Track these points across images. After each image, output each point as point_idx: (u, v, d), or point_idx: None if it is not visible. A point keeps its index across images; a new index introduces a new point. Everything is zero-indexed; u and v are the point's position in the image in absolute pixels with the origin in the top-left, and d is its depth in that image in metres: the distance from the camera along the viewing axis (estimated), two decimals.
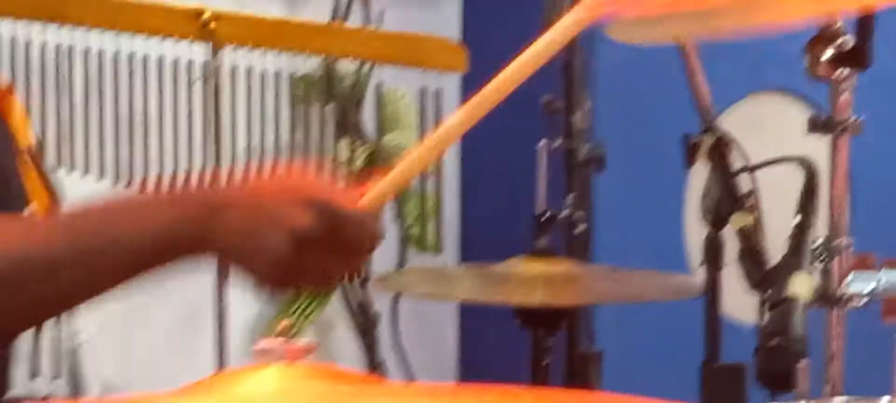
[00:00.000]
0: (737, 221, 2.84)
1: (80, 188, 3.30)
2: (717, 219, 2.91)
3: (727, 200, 2.88)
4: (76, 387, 3.65)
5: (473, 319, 4.33)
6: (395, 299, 4.17)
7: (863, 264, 2.06)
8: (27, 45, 3.39)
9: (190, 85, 3.51)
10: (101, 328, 3.45)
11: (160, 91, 3.51)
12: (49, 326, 3.28)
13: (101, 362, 3.67)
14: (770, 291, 2.74)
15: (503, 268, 3.29)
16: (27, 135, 2.77)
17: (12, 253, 2.15)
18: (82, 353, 3.44)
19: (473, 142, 4.22)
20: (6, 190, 2.57)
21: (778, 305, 2.68)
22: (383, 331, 4.19)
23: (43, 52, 3.38)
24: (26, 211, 2.60)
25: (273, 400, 1.79)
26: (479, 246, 4.27)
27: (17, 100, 2.92)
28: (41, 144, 3.04)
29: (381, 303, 4.16)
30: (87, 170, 3.47)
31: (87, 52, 3.41)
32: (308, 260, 1.89)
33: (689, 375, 3.18)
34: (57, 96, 3.45)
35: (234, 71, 3.53)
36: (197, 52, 3.43)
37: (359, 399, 1.94)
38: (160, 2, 3.44)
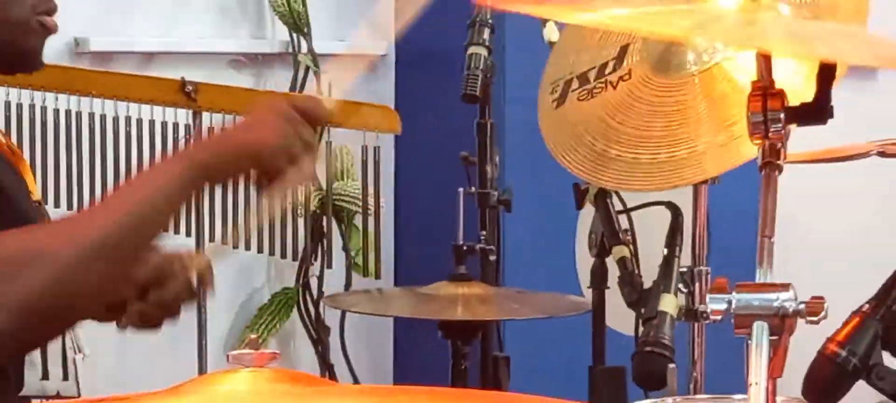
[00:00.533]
0: (616, 253, 2.97)
1: None
2: (600, 251, 3.02)
3: (609, 236, 3.00)
4: (79, 389, 3.65)
5: (406, 331, 4.31)
6: (343, 315, 4.14)
7: (718, 287, 2.16)
8: (43, 110, 3.43)
9: (176, 142, 3.56)
10: (100, 339, 3.47)
11: (152, 147, 3.54)
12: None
13: (100, 367, 3.69)
14: (644, 308, 2.86)
15: (430, 290, 3.32)
16: (35, 189, 2.88)
17: (81, 240, 2.29)
18: (86, 360, 3.45)
19: (406, 188, 4.30)
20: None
21: (651, 319, 2.80)
22: (333, 342, 4.17)
23: (55, 116, 3.43)
24: None
25: (246, 399, 1.81)
26: (410, 271, 4.18)
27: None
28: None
29: (331, 319, 4.03)
30: None
31: (91, 116, 3.45)
32: (288, 130, 2.11)
33: (580, 376, 3.20)
34: (67, 152, 3.47)
35: (211, 130, 3.49)
36: (181, 115, 3.51)
37: (316, 399, 2.06)
38: (151, 75, 3.53)
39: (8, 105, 3.19)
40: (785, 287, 1.90)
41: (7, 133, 2.85)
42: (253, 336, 1.90)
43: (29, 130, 3.41)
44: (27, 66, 2.71)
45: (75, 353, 2.90)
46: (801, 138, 2.11)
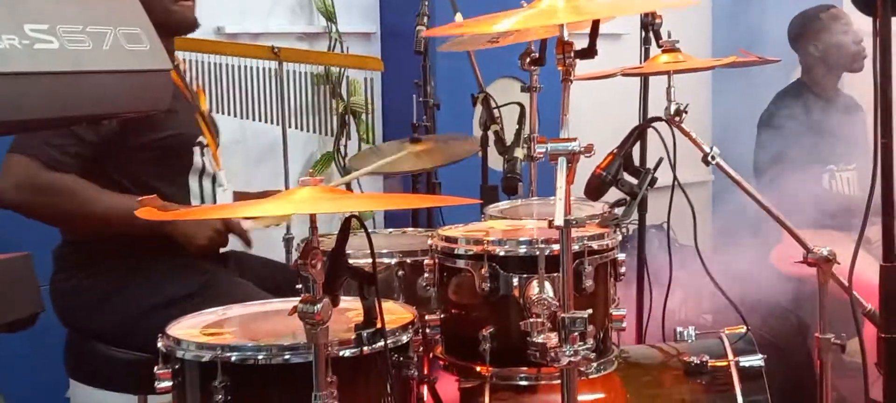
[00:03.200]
0: (493, 127, 2.99)
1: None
2: (486, 127, 3.05)
3: (488, 119, 3.01)
4: None
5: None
6: None
7: (541, 140, 2.03)
8: (199, 63, 3.26)
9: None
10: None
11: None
12: None
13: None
14: (507, 155, 2.88)
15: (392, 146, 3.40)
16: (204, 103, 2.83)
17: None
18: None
19: (388, 97, 4.29)
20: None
21: (510, 161, 2.83)
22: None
23: (207, 66, 3.32)
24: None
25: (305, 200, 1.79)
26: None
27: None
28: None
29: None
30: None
31: (229, 66, 3.37)
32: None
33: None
34: (218, 85, 3.35)
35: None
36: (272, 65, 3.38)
37: (343, 200, 2.04)
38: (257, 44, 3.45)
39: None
40: (574, 139, 1.92)
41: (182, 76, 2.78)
42: (311, 172, 1.90)
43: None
44: (181, 31, 2.64)
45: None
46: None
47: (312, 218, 1.81)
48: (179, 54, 2.80)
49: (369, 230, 3.22)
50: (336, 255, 1.88)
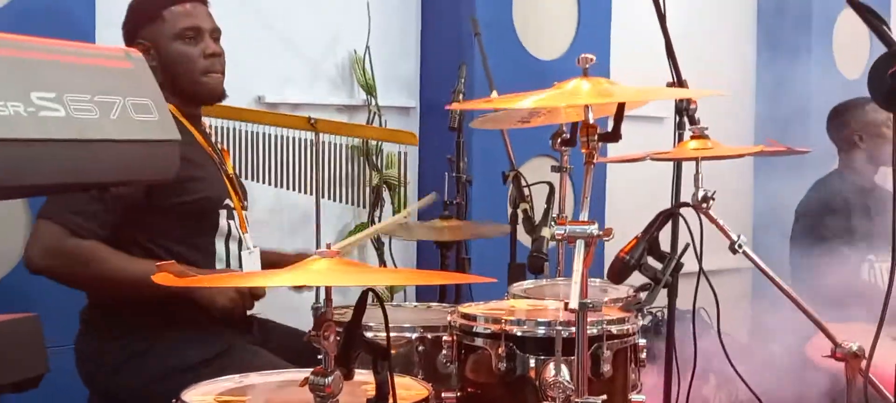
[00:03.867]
0: (521, 206, 2.99)
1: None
2: (516, 204, 3.04)
3: (519, 197, 3.01)
4: None
5: (422, 244, 4.40)
6: (390, 237, 4.02)
7: (560, 222, 2.03)
8: (234, 131, 3.24)
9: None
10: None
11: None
12: None
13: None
14: (534, 234, 2.87)
15: (430, 223, 3.38)
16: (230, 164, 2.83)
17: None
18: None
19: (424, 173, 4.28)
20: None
21: (537, 240, 2.82)
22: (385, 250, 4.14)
23: (242, 134, 3.32)
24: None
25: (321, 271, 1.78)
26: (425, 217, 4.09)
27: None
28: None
29: (384, 237, 4.08)
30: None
31: (265, 135, 3.36)
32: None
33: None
34: (251, 153, 3.34)
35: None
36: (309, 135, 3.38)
37: (360, 273, 2.03)
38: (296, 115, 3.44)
39: (216, 127, 2.94)
40: (592, 223, 1.92)
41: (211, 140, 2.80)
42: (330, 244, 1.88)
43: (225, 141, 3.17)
44: (209, 101, 2.69)
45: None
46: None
47: (328, 289, 1.82)
48: (206, 120, 2.84)
49: (395, 303, 3.26)
50: (351, 328, 1.87)
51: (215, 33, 2.68)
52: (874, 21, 1.64)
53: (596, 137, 2.02)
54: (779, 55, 5.13)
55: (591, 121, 2.00)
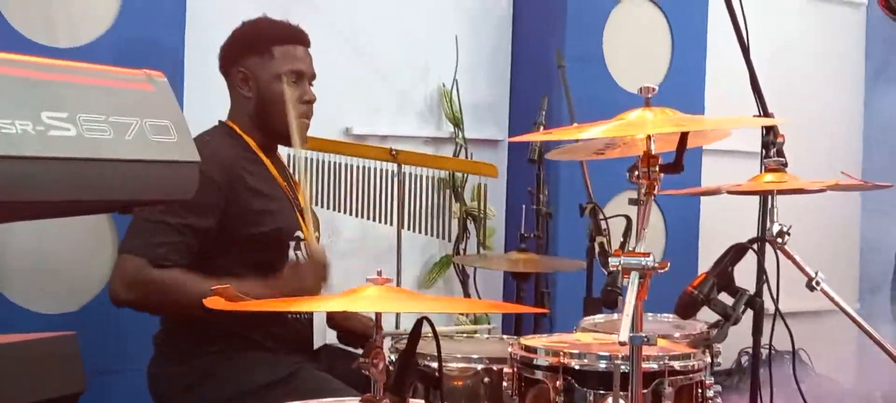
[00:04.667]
0: (599, 239, 2.94)
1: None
2: (592, 236, 3.00)
3: (596, 231, 2.97)
4: None
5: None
6: (475, 269, 3.95)
7: (615, 254, 1.99)
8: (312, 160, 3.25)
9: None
10: None
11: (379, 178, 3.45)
12: None
13: None
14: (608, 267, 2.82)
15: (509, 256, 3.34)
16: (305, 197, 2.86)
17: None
18: None
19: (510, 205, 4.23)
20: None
21: (610, 273, 2.76)
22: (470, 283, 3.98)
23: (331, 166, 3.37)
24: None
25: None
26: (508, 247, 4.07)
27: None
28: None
29: (469, 270, 4.06)
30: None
31: (350, 166, 3.41)
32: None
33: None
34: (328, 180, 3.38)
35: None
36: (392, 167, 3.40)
37: (414, 301, 2.03)
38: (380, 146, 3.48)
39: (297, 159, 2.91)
40: (647, 255, 1.87)
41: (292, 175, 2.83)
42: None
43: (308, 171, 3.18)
44: (291, 144, 2.71)
45: None
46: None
47: (377, 316, 1.82)
48: (282, 150, 2.88)
49: (460, 331, 3.24)
50: (405, 356, 1.86)
51: (313, 79, 2.74)
52: None
53: (657, 168, 1.98)
54: (892, 86, 4.94)
55: (653, 152, 1.95)
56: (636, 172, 2.76)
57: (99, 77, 1.31)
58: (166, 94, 1.39)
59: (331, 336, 2.92)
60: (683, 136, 2.00)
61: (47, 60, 1.28)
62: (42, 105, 1.18)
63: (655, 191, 1.99)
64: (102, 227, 2.96)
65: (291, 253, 2.64)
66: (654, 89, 2.05)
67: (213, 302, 1.84)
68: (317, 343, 2.77)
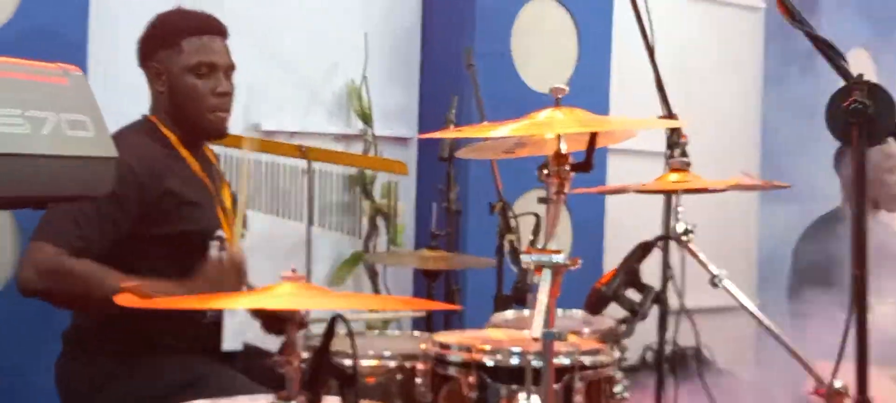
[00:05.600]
0: (508, 237, 2.98)
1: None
2: (502, 235, 3.03)
3: (505, 228, 3.01)
4: None
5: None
6: (385, 267, 4.00)
7: (527, 252, 1.97)
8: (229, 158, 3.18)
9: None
10: None
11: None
12: None
13: None
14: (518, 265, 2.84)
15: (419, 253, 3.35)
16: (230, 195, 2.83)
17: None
18: None
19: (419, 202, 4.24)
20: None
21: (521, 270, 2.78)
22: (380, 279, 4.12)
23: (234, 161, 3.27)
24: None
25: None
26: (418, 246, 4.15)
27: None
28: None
29: (378, 268, 4.23)
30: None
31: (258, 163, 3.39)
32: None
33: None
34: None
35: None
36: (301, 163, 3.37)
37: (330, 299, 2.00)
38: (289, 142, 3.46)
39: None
40: (559, 252, 1.90)
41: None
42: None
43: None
44: (210, 138, 2.70)
45: None
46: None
47: (295, 313, 1.81)
48: (217, 149, 2.88)
49: (370, 327, 3.25)
50: (319, 354, 1.86)
51: (230, 70, 2.69)
52: (832, 54, 1.64)
53: (568, 167, 2.01)
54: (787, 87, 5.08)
55: (563, 151, 1.98)
56: (546, 171, 2.86)
57: (14, 70, 1.29)
58: (83, 89, 1.37)
59: (247, 337, 2.88)
60: (593, 136, 2.03)
61: None
62: None
63: (567, 190, 2.01)
64: (3, 218, 2.90)
65: (214, 252, 2.58)
66: (564, 90, 2.06)
67: (124, 300, 1.81)
68: (231, 345, 2.74)
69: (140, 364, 2.50)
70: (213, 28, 2.67)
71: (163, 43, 2.62)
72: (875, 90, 1.63)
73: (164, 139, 2.63)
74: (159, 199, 2.52)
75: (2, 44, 2.79)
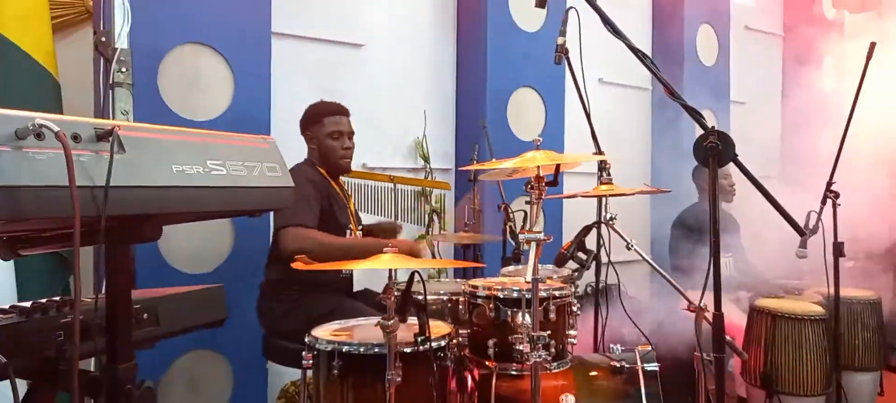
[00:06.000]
0: (509, 224, 2.93)
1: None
2: (505, 222, 2.99)
3: (506, 218, 2.95)
4: None
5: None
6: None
7: (523, 231, 2.02)
8: (354, 183, 3.09)
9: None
10: None
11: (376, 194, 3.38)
12: None
13: None
14: (516, 239, 2.80)
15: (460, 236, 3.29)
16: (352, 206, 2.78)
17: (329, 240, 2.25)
18: None
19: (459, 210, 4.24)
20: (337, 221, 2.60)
21: (517, 243, 2.74)
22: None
23: (358, 185, 3.29)
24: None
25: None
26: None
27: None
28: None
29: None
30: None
31: (366, 186, 3.38)
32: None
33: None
34: (361, 194, 3.21)
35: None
36: (390, 185, 3.33)
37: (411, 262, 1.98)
38: (377, 173, 3.46)
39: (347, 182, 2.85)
40: (540, 232, 1.89)
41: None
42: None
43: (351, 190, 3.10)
44: (342, 172, 2.69)
45: None
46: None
47: (390, 271, 1.80)
48: (343, 179, 2.83)
49: (431, 277, 3.21)
50: (405, 293, 1.87)
51: (351, 134, 2.69)
52: (695, 114, 1.63)
53: (543, 184, 2.00)
54: (668, 133, 5.01)
55: (541, 175, 1.97)
56: (530, 185, 2.85)
57: (238, 140, 1.31)
58: (274, 148, 1.39)
59: (363, 284, 2.85)
60: (557, 166, 2.03)
61: (211, 132, 1.27)
62: (206, 156, 1.18)
63: (543, 197, 2.00)
64: (225, 225, 2.91)
65: (348, 234, 2.61)
66: (540, 140, 2.06)
67: (298, 265, 1.83)
68: (356, 288, 2.75)
69: (306, 299, 2.51)
70: (341, 110, 2.69)
71: (313, 121, 2.65)
72: (722, 135, 1.61)
73: (319, 172, 2.67)
74: (326, 199, 2.55)
75: (223, 123, 2.83)
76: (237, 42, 2.84)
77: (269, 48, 2.96)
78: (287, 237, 2.35)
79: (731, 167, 4.01)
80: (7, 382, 1.14)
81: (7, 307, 1.33)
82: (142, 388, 1.20)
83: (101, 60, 2.49)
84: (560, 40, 2.47)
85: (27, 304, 1.32)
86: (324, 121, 2.61)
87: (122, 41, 2.49)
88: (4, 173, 0.96)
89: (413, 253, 2.40)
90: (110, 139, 1.08)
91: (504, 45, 3.91)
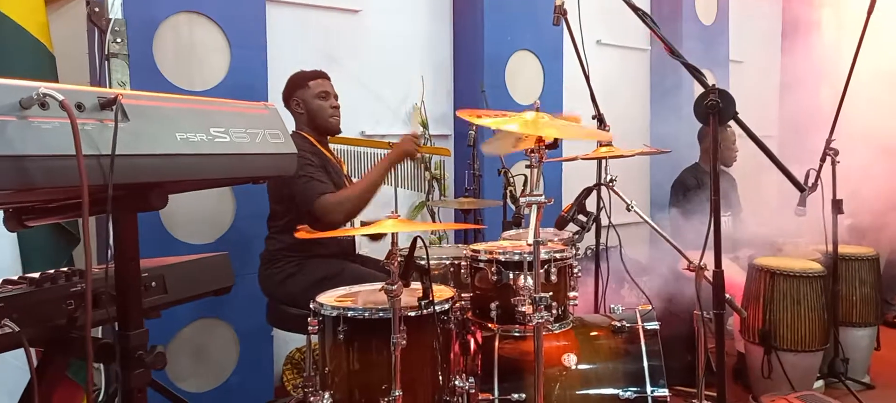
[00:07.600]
0: (509, 188, 2.93)
1: None
2: (505, 188, 2.98)
3: (507, 183, 2.95)
4: None
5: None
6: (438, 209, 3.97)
7: (522, 194, 1.99)
8: (346, 151, 3.10)
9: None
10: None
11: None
12: None
13: None
14: (516, 203, 2.81)
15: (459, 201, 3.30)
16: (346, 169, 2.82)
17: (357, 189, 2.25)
18: None
19: (456, 175, 4.24)
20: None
21: (517, 207, 2.75)
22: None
23: (351, 151, 3.25)
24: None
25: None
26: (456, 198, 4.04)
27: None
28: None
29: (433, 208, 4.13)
30: None
31: (357, 152, 3.40)
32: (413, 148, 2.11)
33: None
34: (354, 160, 3.26)
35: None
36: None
37: None
38: (374, 139, 3.44)
39: (338, 149, 2.86)
40: (541, 194, 1.89)
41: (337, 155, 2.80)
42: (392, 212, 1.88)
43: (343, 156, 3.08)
44: (331, 133, 2.68)
45: None
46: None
47: (393, 236, 1.83)
48: (333, 145, 2.82)
49: (432, 243, 3.22)
50: (408, 258, 1.89)
51: (336, 97, 2.71)
52: (696, 73, 1.63)
53: (544, 146, 2.00)
54: (666, 98, 5.01)
55: (542, 136, 1.97)
56: (530, 150, 2.84)
57: (239, 107, 1.31)
58: (275, 114, 1.39)
59: (365, 250, 2.87)
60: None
61: (214, 99, 1.27)
62: (209, 123, 1.18)
63: (543, 159, 2.01)
64: (226, 195, 2.90)
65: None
66: (538, 103, 2.06)
67: (301, 234, 1.84)
68: (358, 251, 2.77)
69: (308, 265, 2.53)
70: (323, 75, 2.71)
71: (298, 86, 2.65)
72: (723, 93, 1.61)
73: (309, 141, 2.66)
74: (322, 163, 2.57)
75: (221, 93, 2.81)
76: (232, 10, 2.81)
77: (264, 15, 2.93)
78: (325, 209, 2.36)
79: (737, 135, 4.02)
80: (20, 351, 1.16)
81: (17, 278, 1.34)
82: (154, 352, 1.21)
83: (96, 31, 2.45)
84: (558, 1, 2.44)
85: (36, 275, 1.32)
86: (309, 85, 2.60)
87: (115, 11, 2.46)
88: (10, 143, 0.95)
89: (410, 149, 2.44)
90: (114, 108, 1.07)
91: (501, 8, 3.87)
